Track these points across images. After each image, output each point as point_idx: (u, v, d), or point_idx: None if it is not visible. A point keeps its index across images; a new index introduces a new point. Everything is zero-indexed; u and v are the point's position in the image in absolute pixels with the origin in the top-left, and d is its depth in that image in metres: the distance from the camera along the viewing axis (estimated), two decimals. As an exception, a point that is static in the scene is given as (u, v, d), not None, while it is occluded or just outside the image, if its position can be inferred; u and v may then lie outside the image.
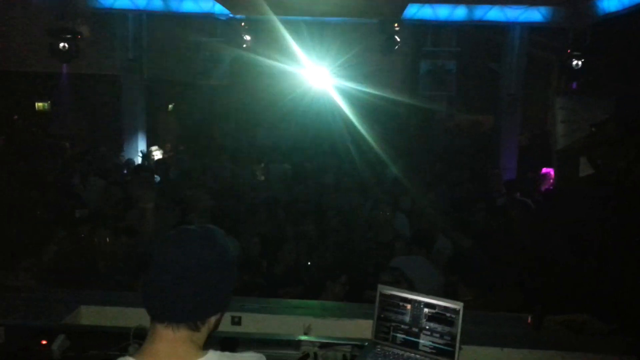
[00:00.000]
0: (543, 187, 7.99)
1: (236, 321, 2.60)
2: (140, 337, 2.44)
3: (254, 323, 2.59)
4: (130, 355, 1.35)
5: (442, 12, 9.57)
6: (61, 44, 8.99)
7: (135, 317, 2.41)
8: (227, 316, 2.60)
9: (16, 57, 10.48)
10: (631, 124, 5.61)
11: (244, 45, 10.10)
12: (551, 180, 8.03)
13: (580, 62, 8.91)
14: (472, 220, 6.24)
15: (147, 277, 1.34)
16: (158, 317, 1.34)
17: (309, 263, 5.07)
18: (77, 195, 6.79)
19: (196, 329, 1.35)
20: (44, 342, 2.35)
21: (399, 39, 9.62)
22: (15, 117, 12.52)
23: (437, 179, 8.84)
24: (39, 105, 13.05)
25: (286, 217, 6.38)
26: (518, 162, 10.02)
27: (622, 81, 8.05)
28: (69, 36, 9.03)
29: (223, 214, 6.11)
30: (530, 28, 9.90)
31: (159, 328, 1.34)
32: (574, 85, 9.51)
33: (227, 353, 1.41)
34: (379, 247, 5.48)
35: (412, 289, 2.62)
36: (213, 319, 1.40)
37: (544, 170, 8.31)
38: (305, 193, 7.55)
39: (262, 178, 8.83)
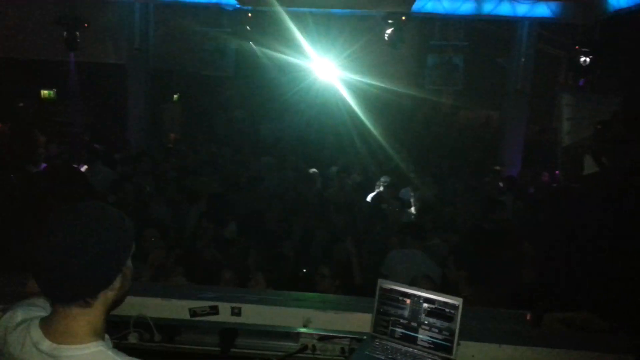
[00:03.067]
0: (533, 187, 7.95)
1: (236, 312, 2.61)
2: (140, 326, 2.46)
3: (254, 314, 2.60)
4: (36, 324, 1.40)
5: (450, 6, 9.51)
6: (67, 33, 8.99)
7: (135, 306, 2.43)
8: (227, 307, 2.61)
9: (22, 44, 10.49)
10: (637, 122, 5.58)
11: (250, 37, 10.07)
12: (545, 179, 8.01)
13: (588, 59, 8.84)
14: (472, 215, 6.24)
15: (34, 256, 1.36)
16: (47, 295, 1.41)
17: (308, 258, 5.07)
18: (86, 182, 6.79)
19: (87, 305, 1.38)
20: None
21: (406, 33, 9.56)
22: (21, 104, 12.55)
23: (441, 174, 8.82)
24: (44, 93, 13.06)
25: (290, 209, 6.38)
26: (523, 158, 9.98)
27: (629, 78, 7.99)
28: (75, 25, 9.03)
29: (226, 204, 6.13)
30: (539, 23, 9.83)
31: (54, 304, 1.40)
32: (581, 82, 9.44)
33: (112, 352, 1.39)
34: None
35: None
36: (106, 295, 1.41)
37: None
38: (309, 186, 7.54)
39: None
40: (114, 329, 2.35)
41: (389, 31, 9.37)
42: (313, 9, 9.79)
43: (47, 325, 1.40)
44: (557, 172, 8.25)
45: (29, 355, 1.38)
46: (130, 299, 2.46)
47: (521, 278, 4.29)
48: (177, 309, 2.58)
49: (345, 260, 4.56)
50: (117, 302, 1.50)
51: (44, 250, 1.34)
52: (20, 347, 1.39)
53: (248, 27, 9.60)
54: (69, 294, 1.37)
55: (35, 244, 1.35)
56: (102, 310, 1.43)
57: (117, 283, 1.43)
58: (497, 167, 9.12)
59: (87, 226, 1.36)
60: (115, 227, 1.41)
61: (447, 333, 2.30)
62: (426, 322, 2.35)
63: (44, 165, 7.39)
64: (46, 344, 1.37)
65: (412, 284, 3.38)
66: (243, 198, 6.45)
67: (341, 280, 4.18)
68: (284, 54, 10.85)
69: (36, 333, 1.39)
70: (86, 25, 9.22)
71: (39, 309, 1.53)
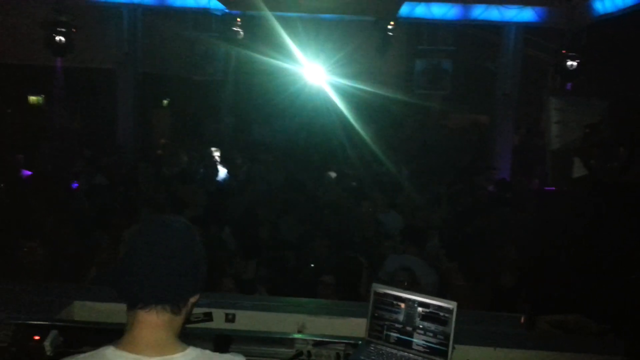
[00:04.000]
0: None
1: (230, 318, 2.60)
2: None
3: (248, 320, 2.59)
4: (113, 344, 1.36)
5: (438, 11, 9.58)
6: (56, 37, 8.92)
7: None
8: (221, 313, 2.60)
9: (10, 50, 10.39)
10: (624, 125, 5.65)
11: (239, 41, 10.06)
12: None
13: (574, 63, 8.94)
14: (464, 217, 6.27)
15: (129, 262, 1.36)
16: (142, 300, 1.35)
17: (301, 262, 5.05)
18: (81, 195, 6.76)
19: (178, 311, 1.38)
20: (36, 337, 2.33)
21: (394, 38, 9.62)
22: (9, 110, 12.42)
23: (430, 177, 8.86)
24: (32, 98, 12.96)
25: (282, 214, 6.36)
26: (512, 161, 10.06)
27: (616, 82, 8.09)
28: (63, 29, 8.95)
29: (217, 210, 6.10)
30: (526, 28, 9.93)
31: (140, 314, 1.35)
32: (569, 86, 9.55)
33: (207, 352, 1.42)
34: (371, 244, 5.50)
35: (419, 291, 2.63)
36: (192, 301, 1.43)
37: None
38: (301, 191, 7.54)
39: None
40: (109, 337, 2.32)
41: (377, 36, 9.42)
42: (302, 14, 9.82)
43: (131, 344, 1.35)
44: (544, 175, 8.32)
45: None
46: (124, 306, 2.44)
47: (500, 281, 4.32)
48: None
49: (355, 271, 4.50)
50: (190, 314, 1.50)
51: (144, 254, 1.35)
52: None
53: (239, 31, 9.59)
54: (167, 297, 1.35)
55: (131, 248, 1.37)
56: (185, 318, 1.44)
57: (201, 290, 1.47)
58: (492, 170, 9.16)
59: (184, 234, 1.41)
60: (198, 235, 1.47)
61: (442, 337, 2.30)
62: (421, 326, 2.35)
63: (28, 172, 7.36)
64: (131, 357, 1.32)
65: (391, 278, 3.38)
66: (234, 202, 6.43)
67: (347, 292, 4.13)
68: (274, 58, 10.85)
69: (121, 355, 1.33)
70: (74, 30, 9.15)
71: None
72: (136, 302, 1.35)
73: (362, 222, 6.09)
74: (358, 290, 4.28)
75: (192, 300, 1.43)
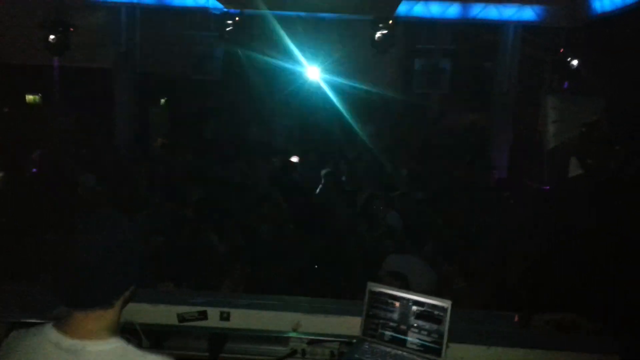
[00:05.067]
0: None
1: (225, 317, 2.60)
2: (128, 331, 2.43)
3: (243, 319, 2.59)
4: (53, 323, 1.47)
5: (435, 10, 9.58)
6: (53, 37, 8.91)
7: (123, 312, 2.40)
8: (216, 311, 2.60)
9: (7, 49, 10.36)
10: (621, 124, 5.66)
11: (237, 40, 10.04)
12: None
13: (573, 62, 8.95)
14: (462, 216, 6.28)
15: (60, 268, 1.43)
16: (74, 306, 1.44)
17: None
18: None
19: (111, 307, 1.47)
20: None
21: (392, 37, 9.61)
22: (6, 109, 12.41)
23: (429, 177, 8.86)
24: (29, 98, 12.94)
25: (277, 212, 6.36)
26: (509, 160, 10.06)
27: (613, 81, 8.10)
28: (60, 29, 8.95)
29: (215, 209, 6.10)
30: (524, 27, 9.93)
31: (75, 310, 1.45)
32: (566, 84, 9.55)
33: (130, 347, 1.47)
34: (371, 242, 5.49)
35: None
36: (126, 294, 1.50)
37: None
38: (299, 189, 7.54)
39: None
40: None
41: (376, 35, 9.40)
42: (300, 13, 9.81)
43: (65, 326, 1.46)
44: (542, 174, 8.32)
45: (46, 356, 1.43)
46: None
47: (504, 280, 4.33)
48: (165, 314, 2.56)
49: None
50: (128, 302, 1.57)
51: (74, 257, 1.40)
52: (35, 349, 1.44)
53: (237, 30, 9.57)
54: (98, 298, 1.44)
55: (62, 252, 1.42)
56: (119, 309, 1.52)
57: (135, 284, 1.54)
58: (493, 169, 9.14)
59: (114, 232, 1.45)
60: (133, 231, 1.51)
61: (436, 335, 2.31)
62: (415, 324, 2.36)
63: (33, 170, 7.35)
64: (68, 342, 1.43)
65: (379, 282, 3.37)
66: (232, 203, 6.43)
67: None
68: (272, 57, 10.85)
69: (54, 334, 1.45)
70: (72, 29, 9.14)
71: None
72: (69, 307, 1.45)
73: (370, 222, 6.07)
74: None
75: (127, 293, 1.50)
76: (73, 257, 1.40)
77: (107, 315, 1.47)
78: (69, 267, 1.40)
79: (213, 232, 5.41)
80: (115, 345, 1.45)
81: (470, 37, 11.52)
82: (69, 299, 1.44)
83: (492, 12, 9.52)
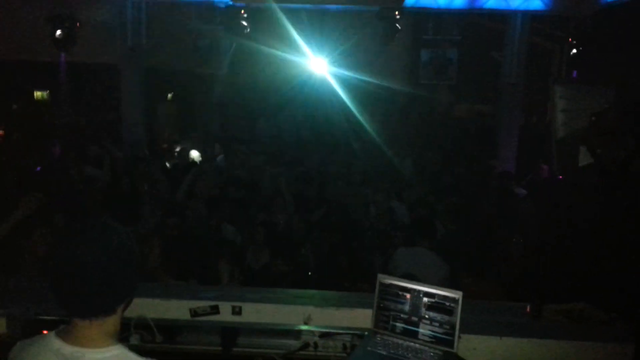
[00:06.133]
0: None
1: (237, 311, 2.62)
2: (141, 327, 2.46)
3: (255, 313, 2.60)
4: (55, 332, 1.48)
5: (443, 0, 9.50)
6: (59, 32, 8.92)
7: (135, 307, 2.42)
8: (228, 306, 2.62)
9: (14, 45, 10.41)
10: (631, 113, 5.60)
11: (244, 34, 10.03)
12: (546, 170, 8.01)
13: (581, 51, 8.85)
14: (468, 209, 6.24)
15: (57, 278, 1.42)
16: (76, 315, 1.45)
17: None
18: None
19: (112, 314, 1.47)
20: (45, 332, 2.35)
21: (399, 28, 9.56)
22: (14, 106, 12.48)
23: (437, 169, 8.83)
24: (37, 94, 13.00)
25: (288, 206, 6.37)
26: (517, 151, 10.00)
27: (622, 70, 8.02)
28: (67, 24, 8.96)
29: (225, 203, 6.12)
30: (532, 16, 9.83)
31: (77, 318, 1.45)
32: (575, 73, 9.46)
33: (131, 354, 1.47)
34: (379, 236, 5.49)
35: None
36: (127, 300, 1.52)
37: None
38: (308, 182, 7.53)
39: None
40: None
41: (382, 27, 9.35)
42: (306, 5, 9.76)
43: (66, 334, 1.46)
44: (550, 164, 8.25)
45: None
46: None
47: (511, 271, 4.31)
48: (177, 309, 2.58)
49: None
50: (127, 308, 1.58)
51: (76, 264, 1.39)
52: (36, 357, 1.46)
53: (243, 24, 9.55)
54: (100, 306, 1.45)
55: (61, 262, 1.41)
56: (120, 315, 1.53)
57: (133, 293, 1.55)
58: (493, 161, 9.10)
59: (105, 243, 1.43)
60: (130, 238, 1.50)
61: (447, 327, 2.31)
62: (427, 316, 2.36)
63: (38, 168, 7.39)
64: (68, 349, 1.43)
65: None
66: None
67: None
68: (279, 50, 10.82)
69: (56, 342, 1.45)
70: (78, 25, 9.15)
71: None
72: (72, 315, 1.46)
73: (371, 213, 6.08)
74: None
75: (127, 299, 1.52)
76: (74, 264, 1.39)
77: (109, 322, 1.47)
78: (70, 275, 1.39)
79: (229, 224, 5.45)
80: (116, 352, 1.45)
81: (477, 27, 11.43)
82: (71, 307, 1.44)
83: (499, 2, 9.41)
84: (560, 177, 7.21)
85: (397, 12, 9.22)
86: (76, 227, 1.45)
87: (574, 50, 8.93)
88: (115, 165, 7.34)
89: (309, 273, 4.48)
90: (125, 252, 1.46)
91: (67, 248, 1.41)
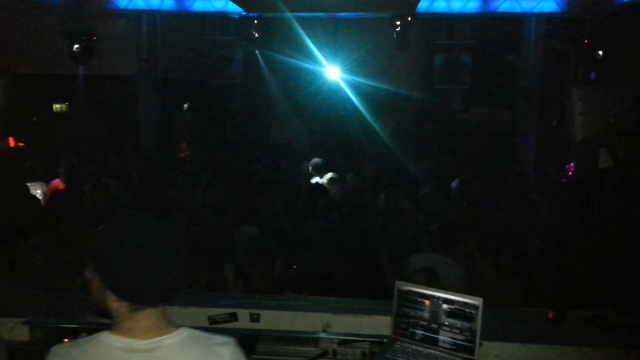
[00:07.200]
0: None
1: (255, 318, 2.61)
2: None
3: (273, 320, 2.60)
4: (108, 330, 1.44)
5: (456, 5, 9.47)
6: (77, 46, 9.08)
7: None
8: (246, 313, 2.61)
9: (33, 59, 10.62)
10: (652, 114, 5.51)
11: (257, 43, 10.10)
12: (569, 173, 7.92)
13: (598, 52, 8.75)
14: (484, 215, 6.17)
15: (126, 264, 1.38)
16: (145, 302, 1.43)
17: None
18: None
19: (169, 301, 1.49)
20: (66, 340, 2.37)
21: (412, 34, 9.54)
22: (34, 119, 12.71)
23: (453, 175, 8.75)
24: (56, 107, 13.23)
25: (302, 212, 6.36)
26: (535, 155, 9.89)
27: (640, 70, 7.91)
28: (83, 38, 9.11)
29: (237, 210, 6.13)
30: (547, 18, 9.75)
31: (132, 310, 1.42)
32: (592, 75, 9.35)
33: (197, 331, 1.50)
34: (401, 242, 5.42)
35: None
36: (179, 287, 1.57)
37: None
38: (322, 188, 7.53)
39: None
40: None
41: (396, 33, 9.35)
42: (319, 14, 9.81)
43: (126, 329, 1.43)
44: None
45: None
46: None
47: (531, 275, 4.23)
48: (196, 316, 2.58)
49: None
50: None
51: (153, 251, 1.39)
52: (101, 358, 1.42)
53: (256, 34, 9.61)
54: (168, 292, 1.46)
55: (140, 247, 1.39)
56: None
57: None
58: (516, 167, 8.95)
59: (168, 232, 1.45)
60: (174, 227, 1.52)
61: (468, 334, 2.28)
62: (446, 323, 2.33)
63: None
64: (140, 343, 1.42)
65: (408, 279, 3.32)
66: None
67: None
68: (292, 59, 10.88)
69: (118, 339, 1.43)
70: (95, 38, 9.30)
71: None
72: (140, 304, 1.43)
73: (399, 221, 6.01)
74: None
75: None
76: (154, 248, 1.39)
77: (165, 310, 1.48)
78: (150, 259, 1.39)
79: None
80: (187, 332, 1.47)
81: (491, 31, 11.36)
82: (144, 294, 1.42)
83: (513, 5, 9.37)
84: (579, 180, 7.12)
85: (410, 18, 9.21)
86: (130, 217, 1.45)
87: (591, 52, 8.83)
88: (140, 173, 7.44)
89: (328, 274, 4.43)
90: (176, 240, 1.47)
91: (143, 234, 1.40)
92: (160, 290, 1.43)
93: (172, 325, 1.48)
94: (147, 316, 1.44)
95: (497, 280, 3.91)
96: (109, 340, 1.43)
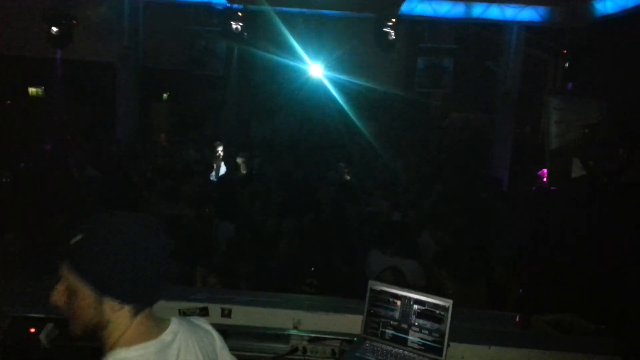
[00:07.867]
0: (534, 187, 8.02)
1: (226, 313, 2.60)
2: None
3: (244, 315, 2.59)
4: (118, 348, 1.35)
5: (440, 9, 9.56)
6: (56, 29, 8.89)
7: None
8: (217, 308, 2.60)
9: (10, 41, 10.36)
10: (624, 126, 5.65)
11: (240, 36, 10.02)
12: (544, 179, 8.07)
13: (575, 63, 8.93)
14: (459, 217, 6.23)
15: (124, 264, 1.31)
16: (148, 302, 1.41)
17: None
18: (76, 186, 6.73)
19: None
20: (32, 330, 2.34)
21: (395, 35, 9.59)
22: (8, 102, 12.41)
23: (429, 176, 8.85)
24: (32, 90, 12.94)
25: (280, 209, 6.35)
26: (511, 160, 10.05)
27: (616, 83, 8.09)
28: (64, 21, 8.93)
29: (217, 203, 6.10)
30: (528, 27, 9.92)
31: (135, 313, 1.39)
32: (569, 86, 9.54)
33: (184, 319, 1.56)
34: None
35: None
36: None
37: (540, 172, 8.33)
38: (301, 186, 7.53)
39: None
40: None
41: (379, 34, 9.39)
42: (303, 10, 9.78)
43: (136, 337, 1.39)
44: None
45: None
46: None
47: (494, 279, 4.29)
48: (166, 310, 2.55)
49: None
50: None
51: (159, 251, 1.39)
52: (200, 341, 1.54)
53: (240, 26, 9.54)
54: (161, 291, 1.46)
55: (148, 247, 1.36)
56: None
57: None
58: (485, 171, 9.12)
59: (161, 230, 1.43)
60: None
61: (437, 334, 2.31)
62: (416, 323, 2.36)
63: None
64: (160, 340, 1.42)
65: (377, 279, 3.35)
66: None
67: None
68: (274, 54, 10.83)
69: (135, 349, 1.38)
70: (75, 22, 9.12)
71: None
72: (146, 304, 1.41)
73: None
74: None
75: None
76: (160, 248, 1.38)
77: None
78: (158, 258, 1.37)
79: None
80: (177, 320, 1.51)
81: (473, 36, 11.50)
82: (142, 296, 1.39)
83: (495, 12, 9.51)
84: (553, 188, 7.25)
85: (393, 20, 9.26)
86: (111, 217, 1.38)
87: (568, 62, 9.00)
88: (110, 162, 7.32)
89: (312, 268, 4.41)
90: (164, 237, 1.46)
91: (133, 231, 1.35)
92: (159, 286, 1.42)
93: (165, 318, 1.50)
94: (150, 314, 1.43)
95: (457, 288, 3.94)
96: (137, 352, 1.36)
